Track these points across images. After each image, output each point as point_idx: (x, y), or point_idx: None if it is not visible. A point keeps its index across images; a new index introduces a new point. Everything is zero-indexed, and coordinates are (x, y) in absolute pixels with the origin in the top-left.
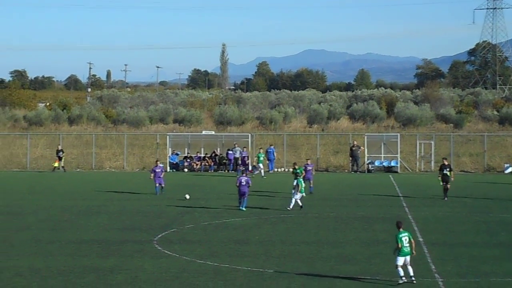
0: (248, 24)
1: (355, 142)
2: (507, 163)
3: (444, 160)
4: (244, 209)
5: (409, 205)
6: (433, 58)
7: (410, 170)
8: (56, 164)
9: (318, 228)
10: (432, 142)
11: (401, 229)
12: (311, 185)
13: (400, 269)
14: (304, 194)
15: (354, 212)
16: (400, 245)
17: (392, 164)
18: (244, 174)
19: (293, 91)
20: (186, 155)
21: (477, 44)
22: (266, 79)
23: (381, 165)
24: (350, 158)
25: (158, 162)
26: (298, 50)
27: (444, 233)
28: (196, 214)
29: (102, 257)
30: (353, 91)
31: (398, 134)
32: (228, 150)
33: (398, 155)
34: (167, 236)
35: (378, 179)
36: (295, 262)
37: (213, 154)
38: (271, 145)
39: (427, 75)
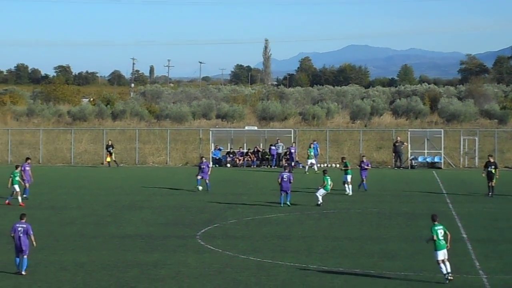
0: (290, 19)
1: (399, 138)
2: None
3: (490, 157)
4: (288, 204)
5: (452, 201)
6: (477, 54)
7: (454, 166)
8: (108, 159)
9: (361, 224)
10: (476, 138)
11: (436, 222)
12: (365, 182)
13: (442, 265)
14: (328, 191)
15: (397, 208)
16: (435, 237)
17: (436, 160)
18: (287, 170)
19: (335, 87)
20: (228, 150)
21: None
22: (309, 75)
23: (425, 161)
24: (393, 154)
25: (204, 159)
26: (341, 46)
27: (489, 229)
28: (238, 209)
29: (145, 251)
30: (396, 87)
31: (442, 130)
32: (271, 145)
33: (442, 151)
34: (210, 231)
35: (421, 175)
36: (338, 257)
37: (256, 150)
38: (314, 141)
39: (471, 70)
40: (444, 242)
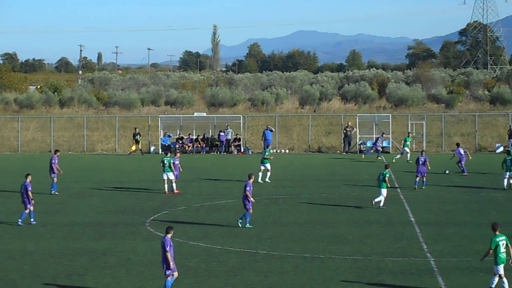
0: (239, 5)
1: (349, 123)
2: (498, 143)
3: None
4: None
5: (401, 185)
6: (424, 39)
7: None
8: (134, 148)
9: (310, 209)
10: (424, 122)
11: (497, 232)
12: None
13: (496, 278)
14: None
15: (346, 193)
16: (491, 251)
17: (384, 144)
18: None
19: (284, 73)
20: (177, 137)
21: (468, 24)
22: (258, 61)
23: (373, 145)
24: (343, 139)
25: (178, 154)
26: (290, 31)
27: (436, 212)
28: (188, 196)
29: (94, 239)
30: (344, 72)
31: (390, 114)
32: (220, 131)
33: (390, 136)
34: (160, 218)
35: (370, 159)
36: (288, 243)
37: (205, 136)
38: (268, 127)
39: (419, 55)
40: (505, 255)
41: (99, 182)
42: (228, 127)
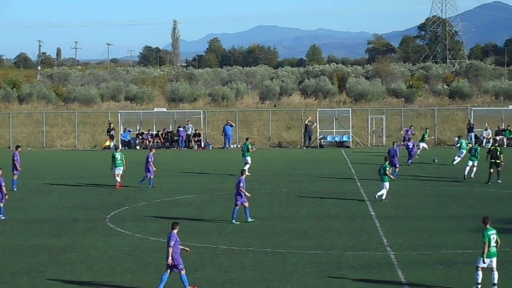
0: (199, 0)
1: (310, 118)
2: (457, 137)
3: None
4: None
5: (361, 179)
6: (384, 33)
7: (362, 145)
8: (107, 143)
9: (271, 204)
10: (384, 117)
11: (488, 226)
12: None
13: (480, 272)
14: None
15: (306, 187)
16: (486, 245)
17: (344, 139)
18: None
19: (245, 68)
20: (137, 132)
21: (427, 19)
22: (218, 56)
23: (333, 140)
24: (304, 134)
25: (154, 150)
26: (250, 26)
27: (396, 207)
28: (149, 191)
29: (54, 236)
30: (304, 67)
31: (350, 109)
32: (179, 127)
33: (350, 130)
34: (120, 214)
35: (330, 154)
36: (248, 237)
37: (165, 131)
38: (228, 122)
39: (378, 50)
40: (495, 249)
41: (58, 178)
42: (189, 122)
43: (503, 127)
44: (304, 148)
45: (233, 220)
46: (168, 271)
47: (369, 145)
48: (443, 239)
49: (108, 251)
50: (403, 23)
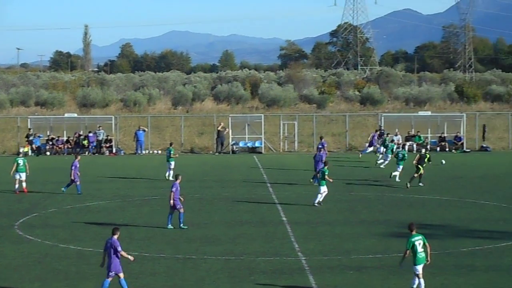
0: (110, 5)
1: (222, 124)
2: (368, 143)
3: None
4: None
5: (273, 184)
6: (296, 39)
7: (274, 151)
8: (26, 149)
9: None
10: (296, 123)
11: (413, 232)
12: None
13: (417, 279)
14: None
15: (218, 193)
16: (408, 252)
17: (257, 144)
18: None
19: (157, 73)
20: (47, 138)
21: (339, 26)
22: (130, 61)
23: (246, 146)
24: (216, 140)
25: (79, 156)
26: (162, 32)
27: (307, 212)
28: (58, 198)
29: None
30: (217, 73)
31: (262, 115)
32: (89, 132)
33: (262, 136)
34: (29, 220)
35: (242, 159)
36: (160, 244)
37: (77, 137)
38: (140, 127)
39: (291, 56)
40: (423, 255)
41: None
42: (101, 128)
43: (413, 133)
44: (217, 154)
45: (181, 225)
46: (109, 279)
47: (281, 150)
48: (354, 244)
49: (17, 258)
50: (315, 29)
